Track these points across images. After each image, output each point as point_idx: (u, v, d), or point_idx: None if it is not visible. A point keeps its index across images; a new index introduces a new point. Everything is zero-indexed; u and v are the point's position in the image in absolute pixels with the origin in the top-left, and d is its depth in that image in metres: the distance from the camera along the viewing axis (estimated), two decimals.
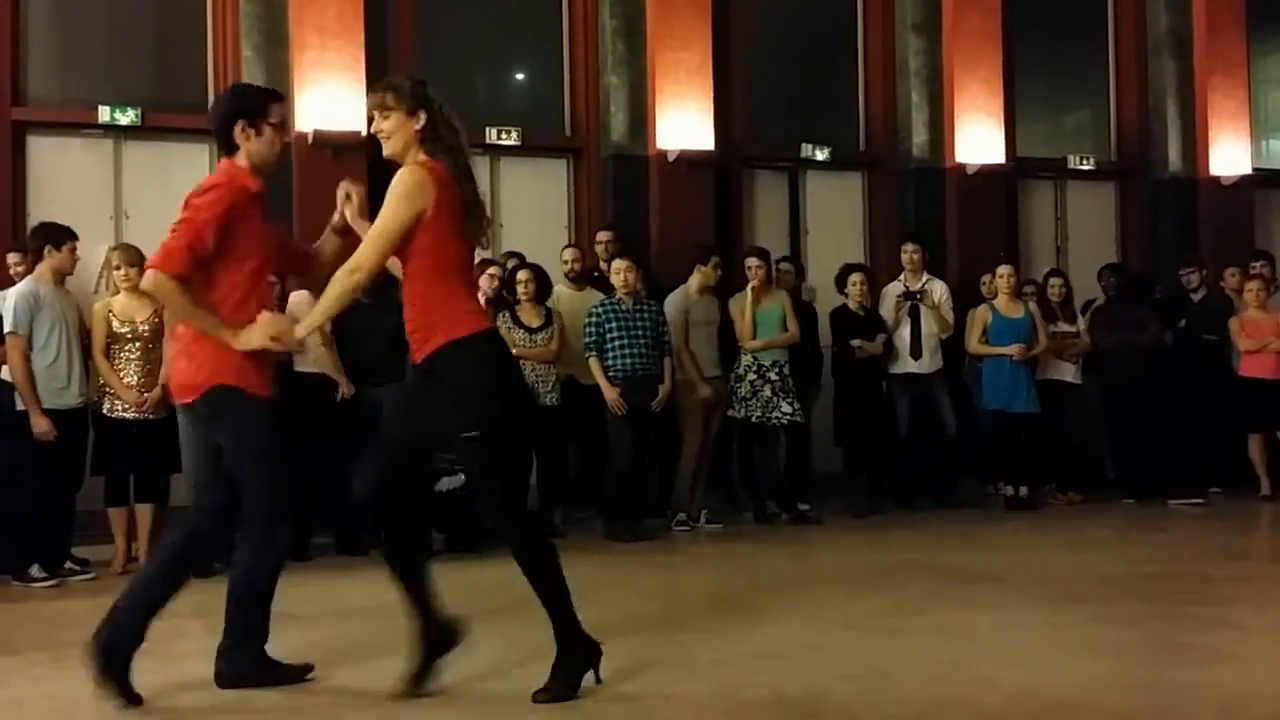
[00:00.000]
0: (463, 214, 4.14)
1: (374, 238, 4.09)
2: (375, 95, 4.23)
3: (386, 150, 4.21)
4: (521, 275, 8.40)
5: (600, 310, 8.38)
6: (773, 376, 8.74)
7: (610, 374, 8.29)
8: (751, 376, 8.74)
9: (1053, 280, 10.04)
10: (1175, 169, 12.07)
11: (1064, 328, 9.83)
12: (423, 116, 4.15)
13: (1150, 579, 6.46)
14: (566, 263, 9.07)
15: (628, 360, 8.28)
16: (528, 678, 4.21)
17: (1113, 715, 3.97)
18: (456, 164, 4.15)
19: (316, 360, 7.50)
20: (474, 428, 4.06)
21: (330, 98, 9.20)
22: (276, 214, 4.68)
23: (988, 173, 11.10)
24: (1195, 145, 11.99)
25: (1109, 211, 12.29)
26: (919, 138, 11.28)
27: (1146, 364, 9.77)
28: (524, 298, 8.37)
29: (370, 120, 4.27)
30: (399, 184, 4.07)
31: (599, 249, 9.42)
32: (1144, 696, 4.15)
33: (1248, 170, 11.94)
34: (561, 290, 8.89)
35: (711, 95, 10.29)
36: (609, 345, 8.29)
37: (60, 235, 7.04)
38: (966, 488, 9.76)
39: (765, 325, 8.83)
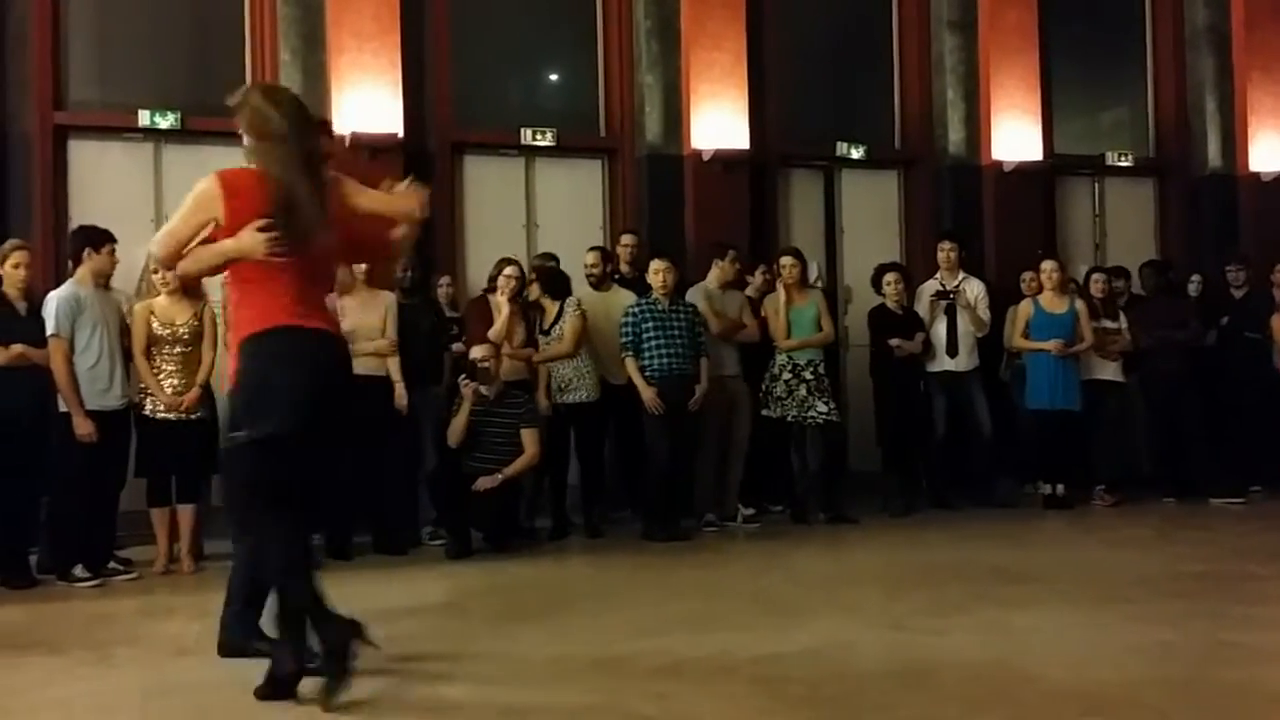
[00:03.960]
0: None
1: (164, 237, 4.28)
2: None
3: None
4: (509, 271, 8.31)
5: (637, 310, 8.38)
6: (808, 376, 8.73)
7: (647, 374, 8.29)
8: (786, 376, 8.73)
9: (1095, 277, 9.95)
10: (1215, 165, 11.95)
11: (1107, 324, 9.74)
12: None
13: (1191, 578, 6.41)
14: (587, 265, 8.99)
15: (664, 360, 8.28)
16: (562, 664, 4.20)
17: (1154, 713, 3.95)
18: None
19: (365, 363, 7.41)
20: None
21: (367, 100, 9.24)
22: None
23: (1025, 170, 11.03)
24: (1235, 141, 11.88)
25: (1148, 208, 12.19)
26: (955, 135, 11.23)
27: (1188, 361, 9.68)
28: (530, 297, 8.43)
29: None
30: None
31: (622, 251, 9.40)
32: (1185, 695, 4.12)
33: None
34: (585, 292, 8.84)
35: (746, 94, 10.28)
36: (645, 345, 8.29)
37: (98, 238, 7.10)
38: (1003, 487, 9.71)
39: (799, 325, 8.82)
